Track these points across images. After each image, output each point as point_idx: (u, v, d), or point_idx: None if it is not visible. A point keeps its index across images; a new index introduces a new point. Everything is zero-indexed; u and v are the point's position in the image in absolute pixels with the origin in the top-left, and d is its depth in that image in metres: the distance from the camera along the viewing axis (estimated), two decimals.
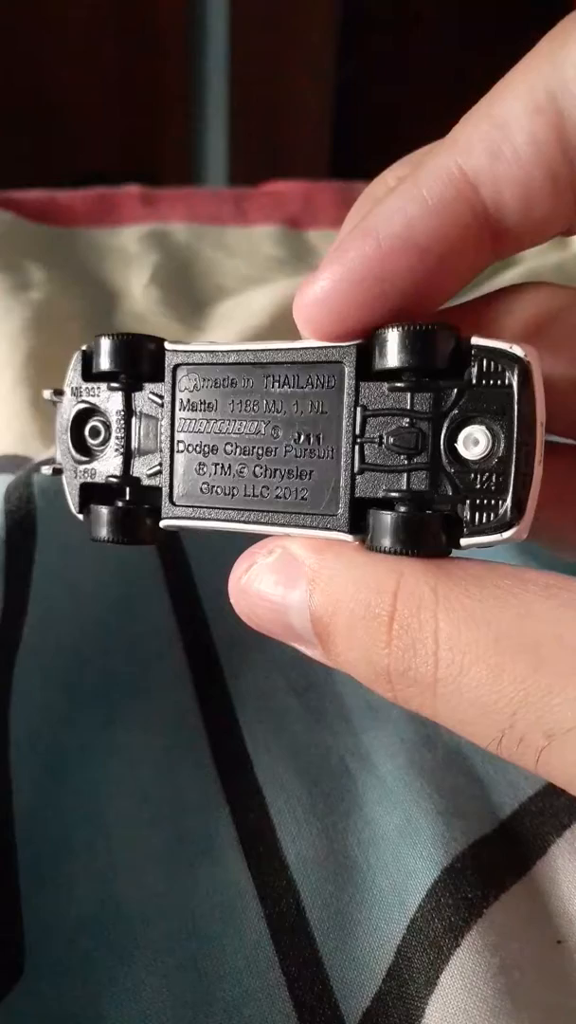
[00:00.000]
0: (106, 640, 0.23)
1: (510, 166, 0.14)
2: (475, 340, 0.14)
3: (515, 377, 0.14)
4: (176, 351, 0.17)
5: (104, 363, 0.18)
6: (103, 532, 0.18)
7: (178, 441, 0.17)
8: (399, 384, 0.15)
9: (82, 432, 0.19)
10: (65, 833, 0.19)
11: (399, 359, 0.15)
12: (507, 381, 0.14)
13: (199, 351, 0.17)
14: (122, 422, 0.18)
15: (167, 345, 0.18)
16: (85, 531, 0.24)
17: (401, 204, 0.14)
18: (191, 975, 0.18)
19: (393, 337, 0.15)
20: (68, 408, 0.19)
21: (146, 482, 0.18)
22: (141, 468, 0.18)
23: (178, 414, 0.17)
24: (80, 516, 0.19)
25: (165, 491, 0.18)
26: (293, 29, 1.42)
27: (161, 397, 0.18)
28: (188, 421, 0.17)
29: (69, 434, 0.19)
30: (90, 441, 0.19)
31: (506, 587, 0.13)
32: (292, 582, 0.15)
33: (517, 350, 0.14)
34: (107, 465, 0.18)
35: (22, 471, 0.25)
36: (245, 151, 1.45)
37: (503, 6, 1.48)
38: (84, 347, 0.19)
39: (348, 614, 0.14)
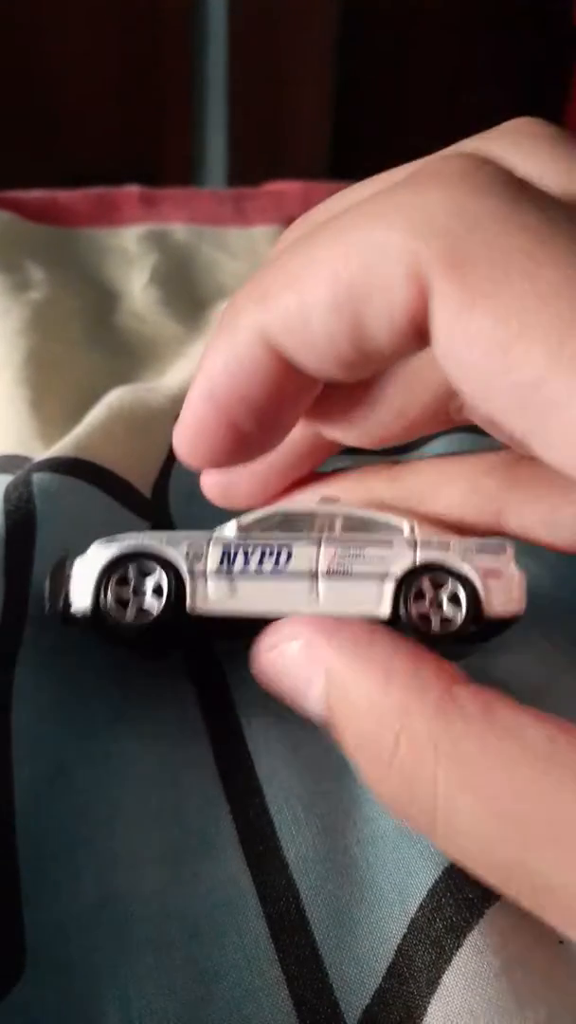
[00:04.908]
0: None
1: (307, 345, 0.16)
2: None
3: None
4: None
5: None
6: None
7: None
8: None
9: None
10: (66, 832, 0.19)
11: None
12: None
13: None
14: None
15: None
16: (84, 533, 0.24)
17: (222, 361, 0.17)
18: (191, 974, 0.18)
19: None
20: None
21: None
22: None
23: None
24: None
25: None
26: (293, 29, 1.42)
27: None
28: None
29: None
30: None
31: (491, 744, 0.14)
32: (311, 679, 0.17)
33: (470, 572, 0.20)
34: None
35: (21, 471, 0.26)
36: (245, 151, 1.45)
37: (504, 6, 1.48)
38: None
39: (356, 734, 0.16)
